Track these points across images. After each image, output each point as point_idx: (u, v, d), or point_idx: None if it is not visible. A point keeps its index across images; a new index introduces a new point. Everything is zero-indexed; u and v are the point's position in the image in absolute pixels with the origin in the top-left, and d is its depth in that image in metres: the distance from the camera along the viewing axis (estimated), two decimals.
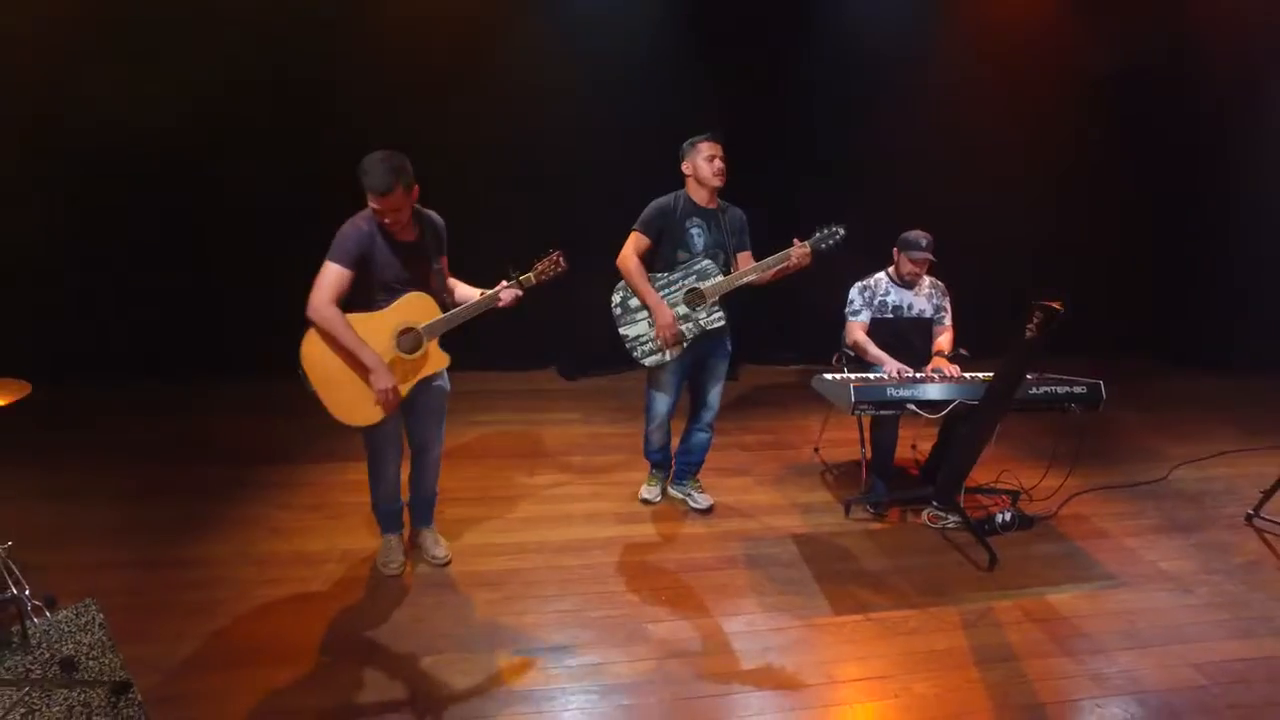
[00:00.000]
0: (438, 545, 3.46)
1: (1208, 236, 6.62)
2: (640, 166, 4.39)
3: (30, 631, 2.80)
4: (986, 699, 2.74)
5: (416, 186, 2.85)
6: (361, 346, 2.87)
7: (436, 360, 3.06)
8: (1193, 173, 6.56)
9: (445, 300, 3.08)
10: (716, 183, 3.56)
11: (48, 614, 2.94)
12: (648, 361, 3.66)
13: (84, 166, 5.15)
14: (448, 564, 3.41)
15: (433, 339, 3.02)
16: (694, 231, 3.60)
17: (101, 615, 2.94)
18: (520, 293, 3.09)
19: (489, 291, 3.08)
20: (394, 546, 3.36)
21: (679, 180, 3.67)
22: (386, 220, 2.83)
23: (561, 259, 3.14)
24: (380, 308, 2.94)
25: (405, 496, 3.43)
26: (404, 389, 3.01)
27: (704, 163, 3.55)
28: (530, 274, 3.10)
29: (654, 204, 3.63)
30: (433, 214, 3.07)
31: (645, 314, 3.62)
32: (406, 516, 3.50)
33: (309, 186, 4.69)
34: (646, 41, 5.60)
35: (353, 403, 2.94)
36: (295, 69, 5.20)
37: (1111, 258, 6.78)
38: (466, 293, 3.14)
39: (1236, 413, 5.64)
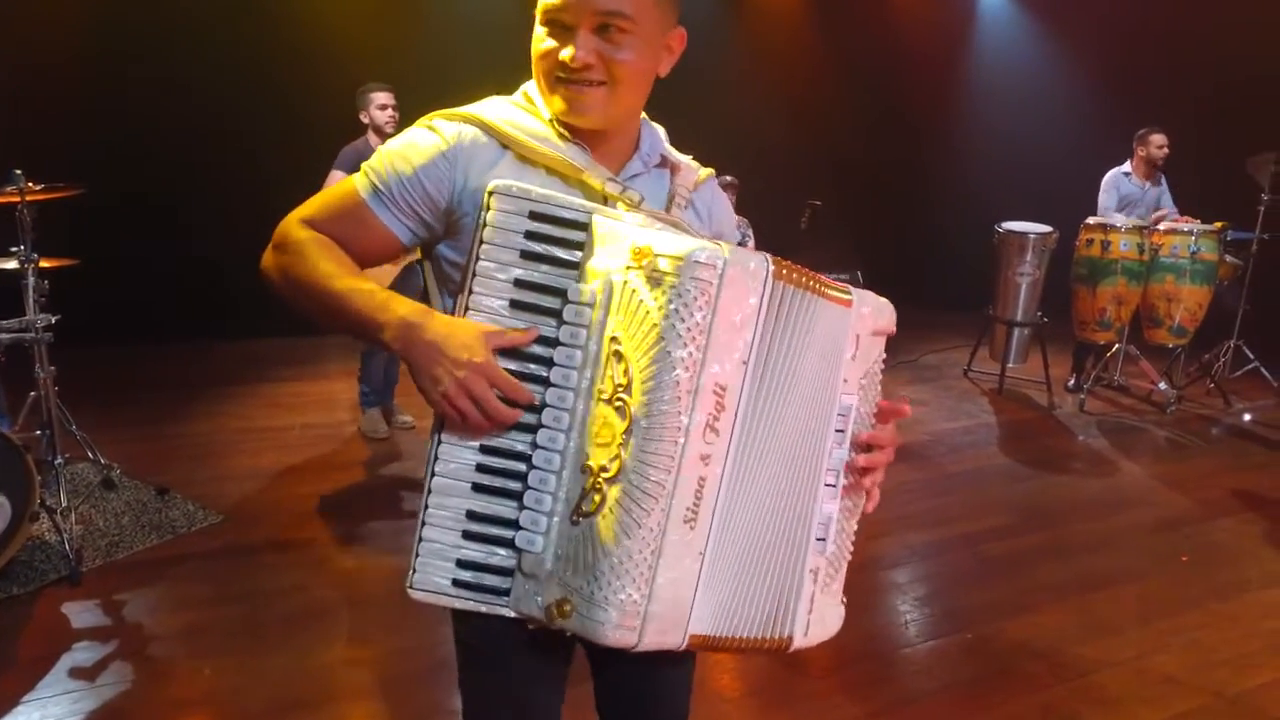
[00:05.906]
0: (403, 413, 4.29)
1: (941, 201, 8.56)
2: None
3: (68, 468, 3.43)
4: None
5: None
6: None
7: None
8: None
9: None
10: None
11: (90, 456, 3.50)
12: None
13: None
14: (413, 428, 4.22)
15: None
16: None
17: (117, 465, 3.60)
18: None
19: None
20: (377, 418, 4.16)
21: None
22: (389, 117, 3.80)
23: None
24: None
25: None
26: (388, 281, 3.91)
27: None
28: None
29: None
30: None
31: None
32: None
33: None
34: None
35: None
36: None
37: (879, 223, 8.57)
38: None
39: (962, 330, 7.50)
